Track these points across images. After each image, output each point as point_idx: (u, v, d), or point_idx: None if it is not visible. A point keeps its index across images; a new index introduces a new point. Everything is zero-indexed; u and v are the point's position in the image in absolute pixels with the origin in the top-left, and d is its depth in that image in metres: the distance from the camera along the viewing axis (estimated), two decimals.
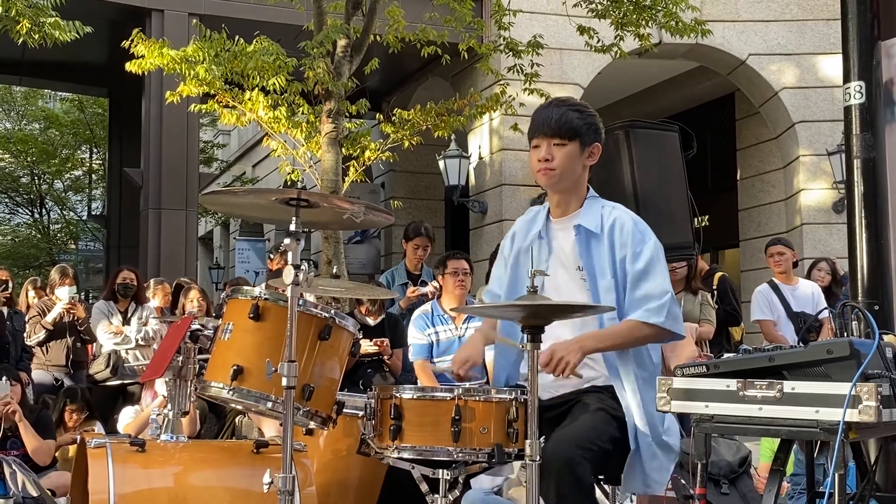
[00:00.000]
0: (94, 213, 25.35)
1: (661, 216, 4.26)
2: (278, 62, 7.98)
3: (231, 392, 2.88)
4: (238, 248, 21.97)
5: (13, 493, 4.80)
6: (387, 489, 3.07)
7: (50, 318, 6.94)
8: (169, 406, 3.45)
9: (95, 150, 24.82)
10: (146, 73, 8.67)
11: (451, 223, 14.93)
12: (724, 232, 13.80)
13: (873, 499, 3.05)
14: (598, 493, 2.92)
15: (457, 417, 2.68)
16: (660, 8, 9.27)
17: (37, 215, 27.02)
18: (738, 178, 14.30)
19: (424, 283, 6.61)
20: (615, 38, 9.50)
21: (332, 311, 2.99)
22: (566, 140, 2.94)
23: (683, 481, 4.48)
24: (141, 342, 6.95)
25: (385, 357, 5.97)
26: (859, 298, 3.56)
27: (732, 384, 2.58)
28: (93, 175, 25.70)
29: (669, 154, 4.64)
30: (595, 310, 2.81)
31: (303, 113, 8.65)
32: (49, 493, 5.00)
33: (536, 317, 2.59)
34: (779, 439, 2.70)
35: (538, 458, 2.53)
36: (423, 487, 2.76)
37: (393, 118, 8.92)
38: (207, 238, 26.70)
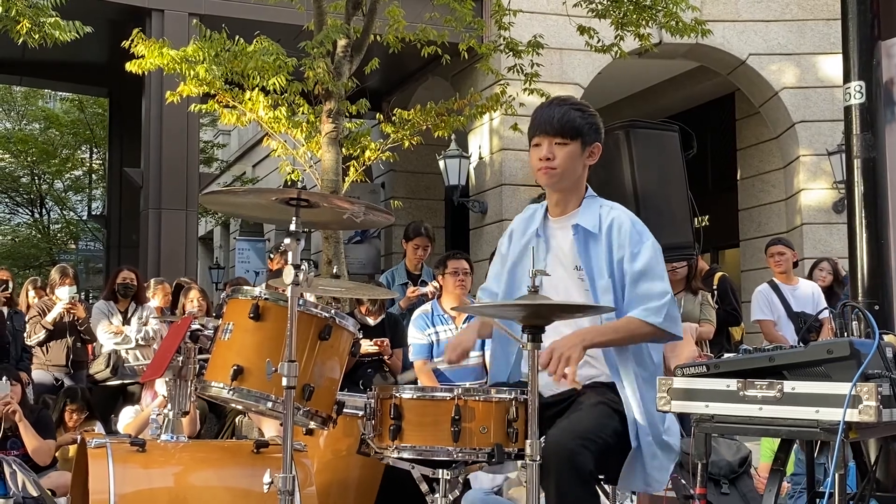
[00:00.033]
0: (94, 213, 25.37)
1: (662, 216, 4.26)
2: (278, 62, 7.98)
3: (231, 392, 2.88)
4: (238, 248, 21.98)
5: (13, 492, 4.79)
6: (384, 489, 3.07)
7: (50, 317, 6.94)
8: (169, 406, 3.45)
9: (95, 150, 24.83)
10: (146, 73, 8.67)
11: (452, 223, 14.93)
12: (724, 232, 13.80)
13: (873, 499, 3.05)
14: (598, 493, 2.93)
15: (457, 417, 2.68)
16: (660, 8, 9.27)
17: (37, 215, 27.03)
18: (738, 177, 14.30)
19: (424, 283, 6.61)
20: (615, 38, 9.50)
21: (333, 311, 2.99)
22: (568, 139, 2.94)
23: (683, 481, 4.48)
24: (141, 342, 6.95)
25: (385, 357, 5.97)
26: (859, 298, 3.56)
27: (733, 384, 2.58)
28: (93, 175, 25.71)
29: (669, 154, 4.64)
30: (595, 310, 2.81)
31: (303, 113, 8.65)
32: (49, 493, 5.00)
33: (537, 316, 2.58)
34: (779, 439, 2.70)
35: (538, 458, 2.53)
36: (423, 487, 2.76)
37: (393, 118, 8.92)
38: (207, 238, 26.70)
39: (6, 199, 26.81)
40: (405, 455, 2.73)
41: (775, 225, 13.05)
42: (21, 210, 27.43)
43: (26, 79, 16.01)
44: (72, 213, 27.35)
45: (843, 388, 2.39)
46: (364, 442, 2.86)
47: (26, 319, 7.28)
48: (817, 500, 3.02)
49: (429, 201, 14.82)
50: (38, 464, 5.47)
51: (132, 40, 8.19)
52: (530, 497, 2.52)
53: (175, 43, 8.47)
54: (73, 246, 28.56)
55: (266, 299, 2.92)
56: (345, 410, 3.05)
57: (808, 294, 6.93)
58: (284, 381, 2.66)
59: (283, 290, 2.84)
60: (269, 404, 2.87)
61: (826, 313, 6.01)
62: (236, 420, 5.95)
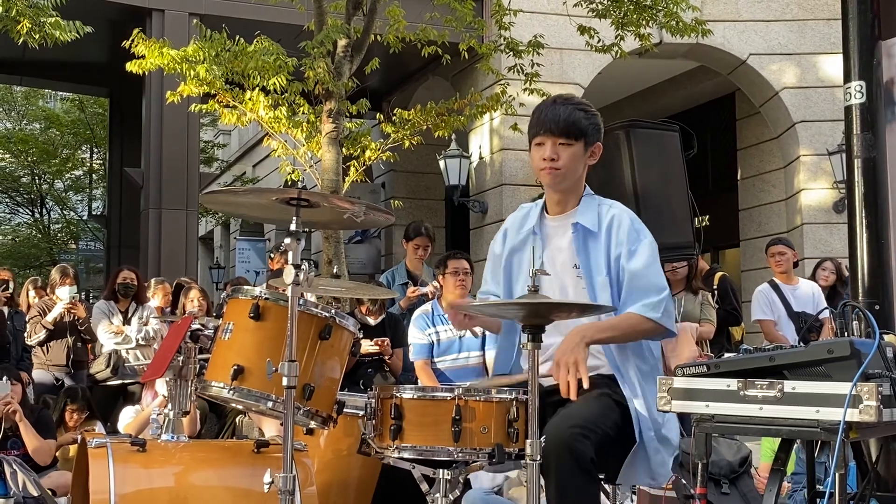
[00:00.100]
0: (94, 212, 25.38)
1: (662, 216, 4.26)
2: (279, 62, 7.98)
3: (231, 392, 2.88)
4: (238, 248, 21.98)
5: (14, 492, 4.80)
6: (381, 488, 3.07)
7: (50, 317, 6.94)
8: (169, 406, 3.45)
9: (96, 150, 24.85)
10: (147, 72, 8.67)
11: (452, 223, 14.93)
12: (724, 232, 13.80)
13: (874, 498, 3.05)
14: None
15: (457, 417, 2.67)
16: (660, 8, 9.27)
17: (37, 215, 27.05)
18: (738, 177, 14.30)
19: (424, 283, 6.61)
20: (616, 37, 9.50)
21: (333, 311, 2.99)
22: (572, 140, 2.93)
23: (684, 481, 4.48)
24: (141, 342, 6.96)
25: (385, 357, 5.97)
26: (860, 298, 3.56)
27: (733, 384, 2.58)
28: (93, 175, 25.74)
29: (670, 154, 4.64)
30: (595, 309, 2.81)
31: (303, 113, 8.66)
32: (50, 492, 5.00)
33: (537, 316, 2.58)
34: (779, 439, 2.70)
35: (538, 458, 2.53)
36: (424, 487, 2.76)
37: (393, 118, 8.92)
38: (208, 238, 26.71)
39: (7, 199, 26.84)
40: (406, 455, 2.73)
41: (776, 225, 13.05)
42: (21, 210, 27.45)
43: (27, 79, 16.02)
44: (72, 213, 27.38)
45: (843, 387, 2.39)
46: (364, 442, 2.86)
47: (27, 319, 7.28)
48: (818, 500, 3.03)
49: (429, 201, 14.82)
50: (38, 463, 5.47)
51: (132, 40, 8.20)
52: (530, 497, 2.52)
53: (175, 43, 8.48)
54: (74, 246, 28.58)
55: (266, 299, 2.92)
56: (345, 410, 3.04)
57: (808, 294, 6.93)
58: (285, 381, 2.66)
59: (284, 290, 2.84)
60: (270, 404, 2.87)
61: (826, 313, 6.02)
62: (237, 420, 5.95)
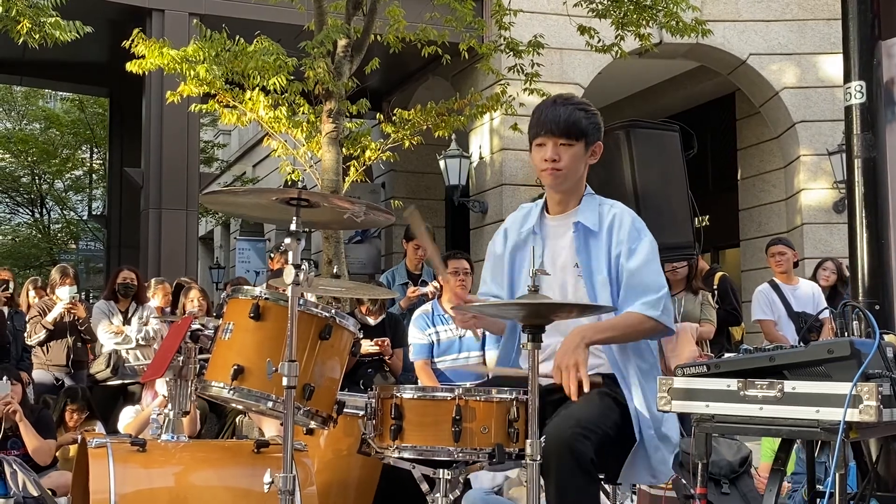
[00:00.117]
0: (94, 212, 25.39)
1: (662, 216, 4.26)
2: (279, 62, 7.98)
3: (231, 392, 2.88)
4: (238, 248, 21.98)
5: (14, 492, 4.80)
6: (383, 488, 3.06)
7: (50, 317, 6.94)
8: (169, 406, 3.45)
9: (96, 150, 24.85)
10: (147, 73, 8.67)
11: (452, 223, 14.94)
12: (724, 232, 13.80)
13: (874, 498, 3.05)
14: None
15: (457, 417, 2.67)
16: (660, 8, 9.27)
17: (37, 215, 27.06)
18: (738, 177, 14.30)
19: (425, 283, 6.61)
20: (616, 37, 9.50)
21: (333, 311, 2.99)
22: (573, 140, 2.93)
23: (684, 481, 4.48)
24: (141, 342, 6.96)
25: (385, 357, 5.98)
26: (860, 298, 3.56)
27: (733, 384, 2.58)
28: (93, 175, 25.74)
29: (670, 154, 4.64)
30: (595, 309, 2.81)
31: (303, 113, 8.66)
32: (50, 492, 5.00)
33: (537, 316, 2.58)
34: (779, 439, 2.70)
35: (539, 458, 2.53)
36: (424, 487, 2.76)
37: (393, 118, 8.93)
38: (208, 238, 26.72)
39: (7, 199, 26.84)
40: (406, 455, 2.73)
41: (776, 225, 13.05)
42: (21, 210, 27.46)
43: (27, 79, 16.02)
44: (72, 213, 27.39)
45: (843, 387, 2.39)
46: (365, 442, 2.86)
47: (27, 319, 7.28)
48: (818, 500, 3.03)
49: (429, 201, 14.82)
50: (38, 463, 5.47)
51: (132, 40, 8.20)
52: (530, 497, 2.52)
53: (175, 43, 8.48)
54: (74, 246, 28.58)
55: (266, 299, 2.92)
56: (345, 410, 3.04)
57: (808, 294, 6.93)
58: (285, 381, 2.66)
59: (284, 290, 2.84)
60: (270, 404, 2.86)
61: (826, 313, 6.02)
62: (237, 420, 5.95)
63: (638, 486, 4.74)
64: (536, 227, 3.07)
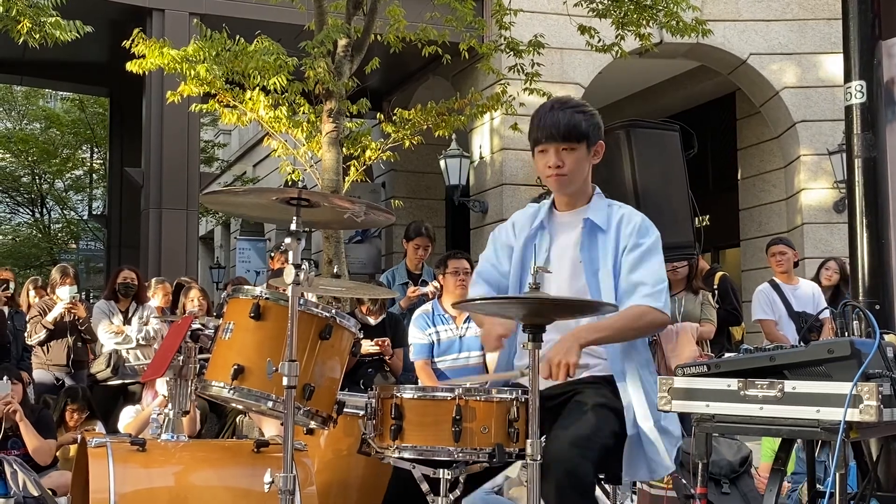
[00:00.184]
0: (94, 212, 25.40)
1: (662, 216, 4.25)
2: (279, 62, 7.98)
3: (232, 391, 2.88)
4: (239, 248, 21.99)
5: (14, 492, 4.80)
6: (392, 489, 3.06)
7: (51, 317, 6.94)
8: (169, 405, 3.45)
9: (96, 150, 24.86)
10: (147, 72, 8.67)
11: (452, 223, 14.94)
12: (724, 231, 13.80)
13: (874, 498, 3.05)
14: (597, 491, 2.92)
15: (457, 417, 2.67)
16: (661, 7, 9.27)
17: (38, 215, 27.07)
18: (738, 177, 14.30)
19: (425, 283, 6.61)
20: (616, 37, 9.50)
21: (333, 311, 2.99)
22: (575, 144, 2.95)
23: (684, 481, 4.48)
24: (142, 342, 6.96)
25: (386, 357, 5.97)
26: (860, 298, 3.56)
27: (733, 384, 2.58)
28: (93, 175, 25.75)
29: (670, 153, 4.64)
30: (598, 307, 2.80)
31: (303, 112, 8.66)
32: (50, 492, 5.00)
33: (538, 314, 2.58)
34: (780, 439, 2.70)
35: (539, 458, 2.53)
36: (424, 487, 2.75)
37: (394, 118, 8.92)
38: (208, 238, 26.72)
39: (7, 199, 26.85)
40: (406, 455, 2.73)
41: (776, 224, 13.05)
42: (22, 210, 27.47)
43: (27, 78, 16.03)
44: (72, 213, 27.40)
45: (843, 387, 2.39)
46: (365, 441, 2.86)
47: (27, 319, 7.29)
48: (818, 500, 3.03)
49: (429, 201, 14.83)
50: (38, 463, 5.47)
51: (133, 40, 8.20)
52: (530, 497, 2.52)
53: (176, 43, 8.48)
54: (74, 245, 28.59)
55: (267, 299, 2.92)
56: (345, 410, 3.04)
57: (808, 294, 6.93)
58: (285, 381, 2.66)
59: (284, 290, 2.84)
60: (270, 404, 2.86)
61: (827, 313, 6.02)
62: (237, 419, 5.95)
63: (638, 485, 4.74)
64: (546, 221, 3.08)
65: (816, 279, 7.41)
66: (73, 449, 5.71)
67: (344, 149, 8.35)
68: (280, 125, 8.56)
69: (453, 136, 10.88)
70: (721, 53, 12.44)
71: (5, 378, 5.59)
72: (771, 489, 2.64)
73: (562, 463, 2.60)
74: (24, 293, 8.08)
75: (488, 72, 9.80)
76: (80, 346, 7.15)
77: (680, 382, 2.67)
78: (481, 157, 12.55)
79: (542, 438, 2.57)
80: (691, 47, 12.08)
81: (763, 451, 5.56)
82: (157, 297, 7.53)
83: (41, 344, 7.00)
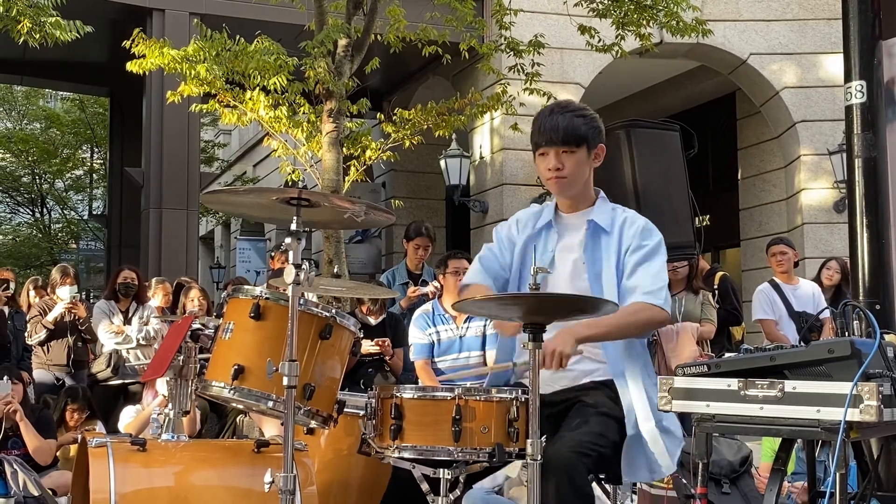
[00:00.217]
0: (95, 212, 25.40)
1: (663, 215, 4.25)
2: (279, 62, 7.98)
3: (232, 391, 2.88)
4: (239, 248, 21.99)
5: (14, 492, 4.80)
6: (392, 489, 3.06)
7: (51, 317, 6.94)
8: (170, 405, 3.45)
9: (96, 150, 24.86)
10: (147, 72, 8.67)
11: (452, 223, 14.94)
12: (725, 231, 13.80)
13: (874, 498, 3.05)
14: (597, 491, 2.92)
15: (457, 417, 2.67)
16: (661, 7, 9.27)
17: (38, 215, 27.07)
18: (739, 177, 14.30)
19: (425, 283, 6.61)
20: (616, 37, 9.50)
21: (333, 311, 2.99)
22: (574, 147, 2.97)
23: (684, 480, 4.48)
24: (142, 342, 6.96)
25: (386, 357, 5.97)
26: (860, 298, 3.56)
27: (734, 384, 2.58)
28: (94, 174, 25.76)
29: (670, 153, 4.64)
30: (599, 304, 2.80)
31: (304, 112, 8.65)
32: (50, 492, 5.00)
33: (538, 313, 2.58)
34: (780, 439, 2.70)
35: (539, 458, 2.53)
36: (424, 487, 2.76)
37: (394, 118, 8.92)
38: (208, 237, 26.72)
39: (7, 199, 26.86)
40: (406, 455, 2.73)
41: (776, 224, 13.05)
42: (22, 210, 27.47)
43: (27, 78, 16.03)
44: (73, 213, 27.40)
45: (844, 387, 2.39)
46: (365, 441, 2.86)
47: (27, 319, 7.28)
48: (818, 500, 3.03)
49: (430, 201, 14.83)
50: (39, 463, 5.47)
51: (133, 40, 8.20)
52: (530, 497, 2.52)
53: (176, 42, 8.48)
54: (74, 245, 28.60)
55: (267, 299, 2.92)
56: (345, 410, 3.04)
57: (808, 294, 6.93)
58: (285, 381, 2.66)
59: (284, 290, 2.84)
60: (270, 403, 2.86)
61: (827, 313, 6.01)
62: (237, 419, 5.95)
63: (638, 485, 4.74)
64: (553, 220, 3.10)
65: (818, 279, 7.41)
66: (73, 449, 5.71)
67: (344, 149, 8.35)
68: (280, 125, 8.56)
69: (453, 136, 10.87)
70: (721, 53, 12.44)
71: (5, 378, 5.59)
72: (771, 489, 2.64)
73: (562, 470, 2.61)
74: (24, 293, 8.08)
75: (488, 72, 9.80)
76: (81, 346, 7.15)
77: (680, 382, 2.67)
78: (481, 157, 12.55)
79: (543, 438, 2.57)
80: (691, 47, 12.08)
81: (763, 451, 5.56)
82: (157, 297, 7.53)
83: (41, 344, 7.00)
